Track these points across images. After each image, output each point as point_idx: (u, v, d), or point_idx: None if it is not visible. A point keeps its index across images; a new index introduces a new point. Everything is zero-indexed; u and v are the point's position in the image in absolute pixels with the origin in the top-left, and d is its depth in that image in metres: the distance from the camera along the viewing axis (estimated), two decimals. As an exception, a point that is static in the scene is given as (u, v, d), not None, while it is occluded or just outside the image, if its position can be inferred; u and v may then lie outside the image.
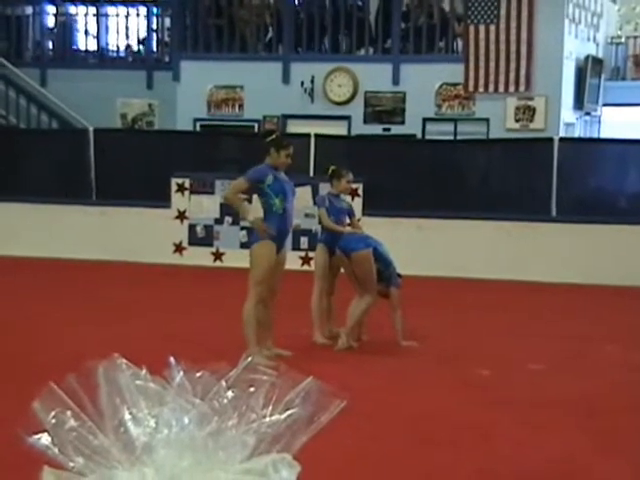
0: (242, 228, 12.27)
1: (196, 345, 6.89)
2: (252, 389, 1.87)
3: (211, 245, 12.39)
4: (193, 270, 11.85)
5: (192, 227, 12.43)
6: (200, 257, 12.26)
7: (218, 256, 12.34)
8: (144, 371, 1.89)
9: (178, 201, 12.42)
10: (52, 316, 8.52)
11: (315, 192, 12.10)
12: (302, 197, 12.21)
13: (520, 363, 7.09)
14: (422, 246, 11.77)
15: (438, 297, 10.25)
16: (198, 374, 1.88)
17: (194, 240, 12.42)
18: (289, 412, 1.86)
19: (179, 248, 12.43)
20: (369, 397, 5.74)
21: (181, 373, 1.87)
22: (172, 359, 1.90)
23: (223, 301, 9.35)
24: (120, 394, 1.84)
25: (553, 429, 5.37)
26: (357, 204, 12.11)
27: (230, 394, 1.87)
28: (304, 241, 11.98)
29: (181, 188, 12.40)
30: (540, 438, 5.21)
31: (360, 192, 12.07)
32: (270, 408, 1.87)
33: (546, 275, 11.31)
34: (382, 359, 7.15)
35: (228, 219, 12.37)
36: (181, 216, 12.41)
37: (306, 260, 11.62)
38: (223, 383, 1.88)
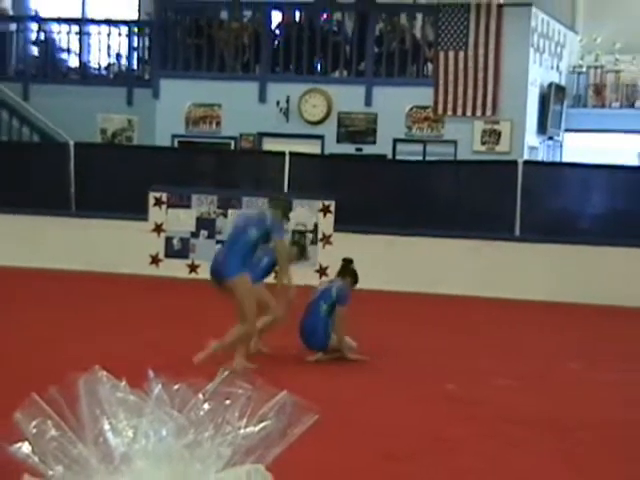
0: (217, 242, 12.27)
1: (172, 354, 6.85)
2: (228, 402, 1.88)
3: (187, 257, 12.36)
4: (169, 281, 11.80)
5: (169, 240, 12.41)
6: (176, 269, 12.22)
7: (193, 268, 12.30)
8: (124, 383, 1.89)
9: (155, 214, 12.39)
10: (32, 325, 8.44)
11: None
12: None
13: (487, 378, 7.09)
14: (391, 262, 11.81)
15: (406, 312, 10.27)
16: (176, 387, 1.88)
17: (170, 252, 12.39)
18: (263, 424, 1.87)
19: (155, 260, 12.39)
20: (336, 410, 5.73)
21: (160, 386, 1.87)
22: (151, 372, 1.90)
23: (198, 312, 9.34)
24: (100, 405, 1.84)
25: (520, 444, 5.37)
26: (329, 221, 12.17)
27: (207, 406, 1.87)
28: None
29: (158, 202, 12.38)
30: (506, 453, 5.21)
31: (332, 209, 12.12)
32: (245, 420, 1.87)
33: (510, 292, 11.39)
34: (351, 372, 7.15)
35: (204, 232, 12.37)
36: (158, 229, 12.38)
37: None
38: (200, 396, 1.88)
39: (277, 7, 15.35)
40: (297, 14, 15.51)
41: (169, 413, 1.84)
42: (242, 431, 1.86)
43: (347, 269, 7.63)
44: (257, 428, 1.86)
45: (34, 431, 1.79)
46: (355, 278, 7.59)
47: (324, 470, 4.69)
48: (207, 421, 1.86)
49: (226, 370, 1.85)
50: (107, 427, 1.82)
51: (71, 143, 13.26)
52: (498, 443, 5.38)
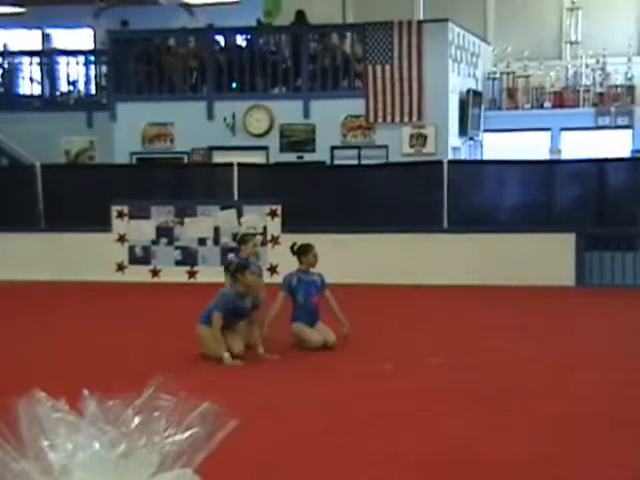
0: (176, 248, 12.21)
1: (132, 353, 6.79)
2: (156, 413, 1.88)
3: (149, 263, 12.27)
4: (134, 286, 11.70)
5: (132, 248, 12.30)
6: (140, 274, 12.12)
7: (155, 273, 12.22)
8: (62, 403, 1.88)
9: (118, 226, 12.28)
10: (4, 331, 8.30)
11: (239, 214, 12.15)
12: (227, 219, 12.21)
13: (421, 358, 7.10)
14: (335, 258, 11.80)
15: (350, 302, 10.26)
16: (110, 403, 1.88)
17: (134, 259, 12.29)
18: (189, 432, 1.87)
19: (121, 267, 12.28)
20: (284, 391, 5.73)
21: (94, 403, 1.87)
22: (86, 391, 1.90)
23: (161, 312, 9.26)
24: (39, 424, 1.82)
25: (444, 415, 5.42)
26: (277, 223, 12.16)
27: (137, 419, 1.87)
28: (231, 257, 11.91)
29: (121, 214, 12.27)
30: (431, 423, 5.25)
31: (279, 212, 12.13)
32: (173, 429, 1.87)
33: (440, 278, 11.51)
34: (301, 357, 7.16)
35: (163, 240, 12.29)
36: (121, 239, 12.27)
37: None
38: (130, 410, 1.88)
39: (219, 32, 15.27)
40: (238, 38, 15.47)
41: (103, 428, 1.84)
42: (170, 439, 1.86)
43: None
44: (184, 436, 1.87)
45: (-24, 452, 1.77)
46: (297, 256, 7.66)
47: (269, 448, 4.67)
48: (138, 432, 1.86)
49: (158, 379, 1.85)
50: (46, 443, 1.81)
51: (37, 164, 13.06)
52: (424, 414, 5.40)
